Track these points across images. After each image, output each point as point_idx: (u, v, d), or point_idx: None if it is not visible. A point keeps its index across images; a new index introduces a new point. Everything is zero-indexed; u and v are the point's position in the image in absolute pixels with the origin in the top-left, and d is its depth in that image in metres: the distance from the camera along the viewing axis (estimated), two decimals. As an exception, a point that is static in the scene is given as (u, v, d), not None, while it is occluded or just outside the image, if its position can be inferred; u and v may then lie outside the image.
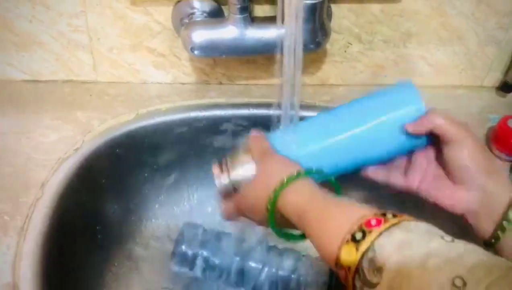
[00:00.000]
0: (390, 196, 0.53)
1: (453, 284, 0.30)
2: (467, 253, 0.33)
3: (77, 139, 0.67)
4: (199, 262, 0.67)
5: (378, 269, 0.34)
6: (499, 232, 0.44)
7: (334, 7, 0.67)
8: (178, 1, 0.66)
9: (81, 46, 0.71)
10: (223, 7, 0.66)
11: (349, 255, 0.36)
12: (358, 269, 0.35)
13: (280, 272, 0.66)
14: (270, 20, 0.64)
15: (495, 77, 0.76)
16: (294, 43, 0.45)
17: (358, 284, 0.35)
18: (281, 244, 0.69)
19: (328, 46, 0.71)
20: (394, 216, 0.37)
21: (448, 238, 0.35)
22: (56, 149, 0.65)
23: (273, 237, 0.69)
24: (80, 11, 0.68)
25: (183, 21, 0.66)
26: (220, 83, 0.76)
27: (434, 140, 0.49)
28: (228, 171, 0.51)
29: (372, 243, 0.35)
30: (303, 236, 0.45)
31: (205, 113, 0.72)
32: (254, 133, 0.52)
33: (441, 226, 0.38)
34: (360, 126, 0.49)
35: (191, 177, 0.77)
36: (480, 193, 0.45)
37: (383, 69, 0.75)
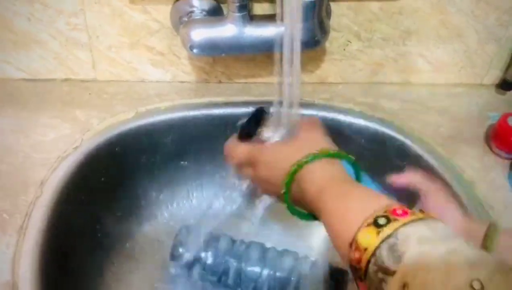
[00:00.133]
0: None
1: (471, 286, 0.30)
2: (487, 258, 0.32)
3: (76, 137, 0.67)
4: (197, 265, 0.67)
5: (397, 258, 0.33)
6: None
7: (333, 5, 0.67)
8: (177, 0, 0.66)
9: (79, 44, 0.71)
10: (222, 5, 0.66)
11: (368, 238, 0.35)
12: (375, 253, 0.34)
13: (279, 274, 0.66)
14: (269, 18, 0.64)
15: (495, 74, 0.76)
16: (293, 41, 0.45)
17: (372, 268, 0.34)
18: (280, 246, 0.69)
19: (327, 44, 0.71)
20: (421, 211, 0.37)
21: (471, 243, 0.34)
22: (55, 148, 0.65)
23: (272, 238, 0.70)
24: (79, 10, 0.68)
25: (182, 20, 0.66)
26: (220, 82, 0.76)
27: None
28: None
29: (396, 230, 0.34)
30: (311, 216, 0.45)
31: (204, 112, 0.72)
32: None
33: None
34: None
35: (190, 175, 0.77)
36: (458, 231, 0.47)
37: (383, 67, 0.75)
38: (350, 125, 0.71)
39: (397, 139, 0.70)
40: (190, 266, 0.67)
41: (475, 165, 0.66)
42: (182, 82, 0.76)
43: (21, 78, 0.75)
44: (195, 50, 0.64)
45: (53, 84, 0.75)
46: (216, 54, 0.67)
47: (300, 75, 0.47)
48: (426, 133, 0.70)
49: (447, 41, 0.72)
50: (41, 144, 0.66)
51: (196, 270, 0.67)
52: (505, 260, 0.32)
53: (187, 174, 0.76)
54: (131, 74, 0.75)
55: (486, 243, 0.45)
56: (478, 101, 0.76)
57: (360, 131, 0.71)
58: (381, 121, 0.71)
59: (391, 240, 0.34)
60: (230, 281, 0.67)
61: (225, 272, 0.67)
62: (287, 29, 0.44)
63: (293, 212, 0.47)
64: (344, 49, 0.73)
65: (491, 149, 0.68)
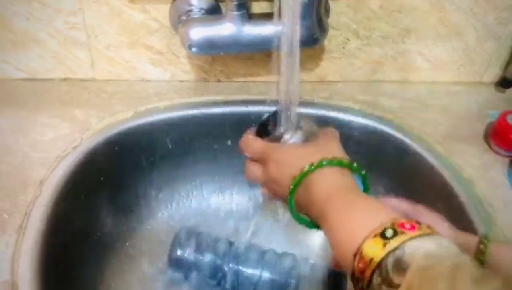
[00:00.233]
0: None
1: None
2: (492, 275, 0.32)
3: (75, 137, 0.67)
4: (195, 269, 0.66)
5: (403, 270, 0.33)
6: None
7: (332, 3, 0.67)
8: (176, -2, 0.66)
9: (78, 44, 0.71)
10: (220, 4, 0.66)
11: (374, 249, 0.35)
12: (381, 265, 0.34)
13: (278, 277, 0.65)
14: (268, 16, 0.64)
15: (494, 72, 0.76)
16: (291, 40, 0.44)
17: (376, 280, 0.34)
18: (278, 248, 0.69)
19: (326, 42, 0.71)
20: (428, 227, 0.36)
21: (476, 263, 0.34)
22: (54, 147, 0.65)
23: (270, 240, 0.70)
24: (78, 9, 0.68)
25: (180, 19, 0.66)
26: (219, 80, 0.76)
27: None
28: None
29: (403, 243, 0.34)
30: (312, 224, 0.45)
31: (204, 111, 0.72)
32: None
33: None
34: None
35: (190, 174, 0.77)
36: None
37: (382, 65, 0.75)
38: (349, 123, 0.71)
39: (396, 137, 0.70)
40: (188, 270, 0.67)
41: (475, 163, 0.66)
42: (181, 81, 0.76)
43: (19, 78, 0.75)
44: (193, 49, 0.64)
45: (52, 84, 0.75)
46: (214, 52, 0.67)
47: (298, 73, 0.47)
48: (425, 131, 0.70)
49: (446, 39, 0.72)
50: (40, 144, 0.66)
51: (194, 274, 0.67)
52: (510, 277, 0.32)
53: (187, 173, 0.76)
54: (130, 73, 0.75)
55: (477, 256, 0.45)
56: (478, 99, 0.75)
57: (359, 129, 0.71)
58: (380, 119, 0.71)
59: (398, 252, 0.34)
60: (228, 284, 0.66)
61: (223, 275, 0.66)
62: (285, 28, 0.44)
63: (295, 216, 0.46)
64: (343, 47, 0.73)
65: (490, 147, 0.68)
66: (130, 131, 0.70)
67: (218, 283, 0.67)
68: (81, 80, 0.75)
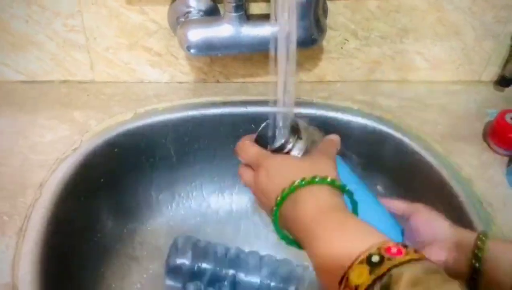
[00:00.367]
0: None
1: None
2: None
3: (75, 139, 0.67)
4: (192, 276, 0.66)
5: None
6: (476, 265, 0.44)
7: (330, 4, 0.67)
8: (174, 0, 0.66)
9: (77, 46, 0.71)
10: (219, 5, 0.66)
11: (360, 276, 0.34)
12: None
13: (276, 284, 0.65)
14: (266, 17, 0.64)
15: (492, 71, 0.76)
16: (288, 40, 0.44)
17: None
18: (276, 253, 0.69)
19: (324, 42, 0.71)
20: (415, 251, 0.36)
21: (465, 287, 0.33)
22: (53, 149, 0.65)
23: (268, 246, 0.70)
24: (76, 11, 0.68)
25: (179, 20, 0.66)
26: (217, 81, 0.76)
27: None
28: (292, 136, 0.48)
29: (389, 270, 0.33)
30: (295, 243, 0.43)
31: (203, 112, 0.72)
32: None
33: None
34: None
35: (189, 175, 0.77)
36: (450, 245, 0.47)
37: (380, 65, 0.75)
38: (348, 123, 0.71)
39: (395, 137, 0.70)
40: (185, 277, 0.67)
41: (473, 162, 0.66)
42: (180, 82, 0.76)
43: (19, 80, 0.75)
44: (192, 51, 0.64)
45: (51, 86, 0.75)
46: (213, 54, 0.67)
47: (295, 74, 0.47)
48: (424, 130, 0.70)
49: (444, 39, 0.72)
50: (40, 146, 0.66)
51: (192, 281, 0.66)
52: None
53: (187, 174, 0.77)
54: (129, 75, 0.75)
55: (476, 252, 0.45)
56: (476, 98, 0.76)
57: (358, 129, 0.71)
58: (379, 119, 0.71)
59: (384, 279, 0.33)
60: (226, 291, 0.66)
61: (221, 282, 0.66)
62: (281, 28, 0.44)
63: (278, 230, 0.45)
64: (342, 48, 0.73)
65: (489, 146, 0.68)
66: (130, 133, 0.70)
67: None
68: (80, 82, 0.75)
